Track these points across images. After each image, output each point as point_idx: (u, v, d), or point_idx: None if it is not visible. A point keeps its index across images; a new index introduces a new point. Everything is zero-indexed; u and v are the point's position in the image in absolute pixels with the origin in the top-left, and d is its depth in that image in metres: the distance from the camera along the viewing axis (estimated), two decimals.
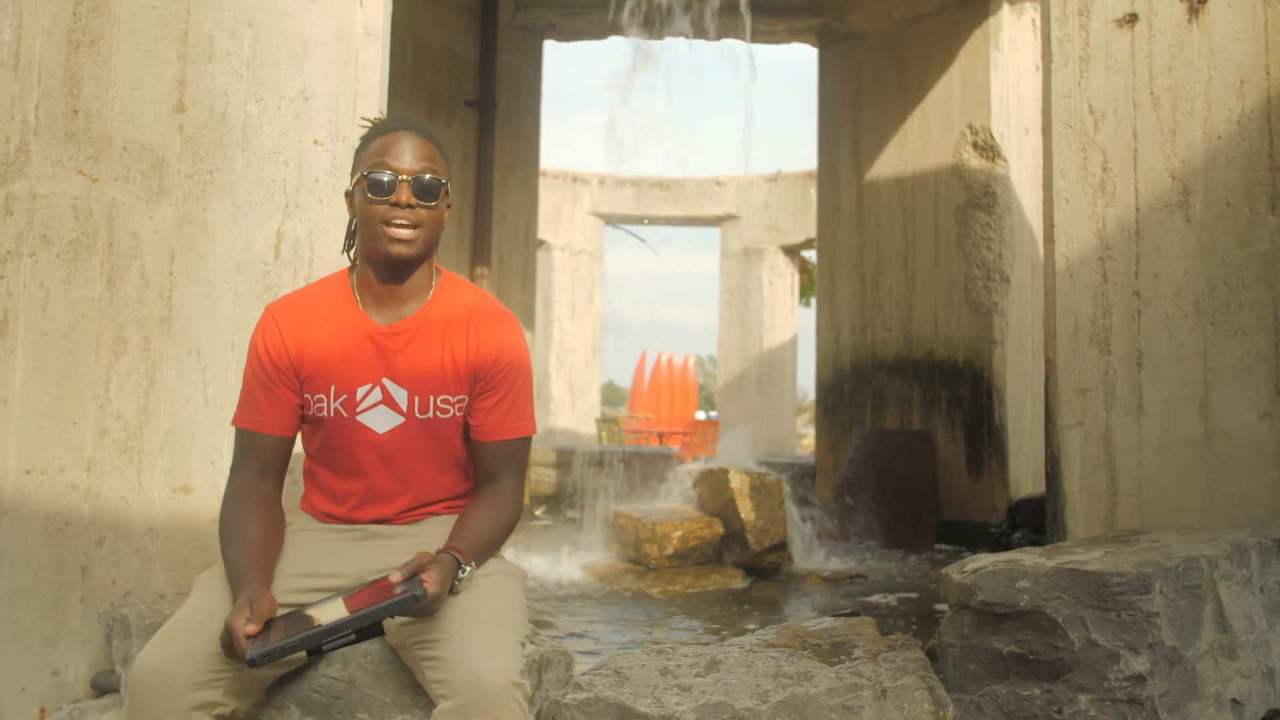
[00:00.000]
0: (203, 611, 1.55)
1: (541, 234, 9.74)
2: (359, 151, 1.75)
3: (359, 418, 1.71)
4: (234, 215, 2.34)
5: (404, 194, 1.67)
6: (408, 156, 1.68)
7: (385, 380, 1.72)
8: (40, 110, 2.23)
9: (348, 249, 1.84)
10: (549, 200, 11.14)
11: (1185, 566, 1.75)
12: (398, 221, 1.67)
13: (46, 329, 2.20)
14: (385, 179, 1.66)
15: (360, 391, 1.71)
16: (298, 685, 1.64)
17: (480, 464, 1.77)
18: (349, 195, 1.75)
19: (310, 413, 1.74)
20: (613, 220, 12.51)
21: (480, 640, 1.47)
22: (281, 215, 2.37)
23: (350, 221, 1.80)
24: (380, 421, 1.72)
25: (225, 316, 2.32)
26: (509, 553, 1.95)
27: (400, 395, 1.72)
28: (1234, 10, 2.49)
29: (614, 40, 6.55)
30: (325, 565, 1.68)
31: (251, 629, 1.43)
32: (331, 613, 1.48)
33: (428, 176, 1.68)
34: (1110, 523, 2.52)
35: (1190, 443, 2.47)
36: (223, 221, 2.33)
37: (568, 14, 6.34)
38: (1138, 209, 2.55)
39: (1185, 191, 2.51)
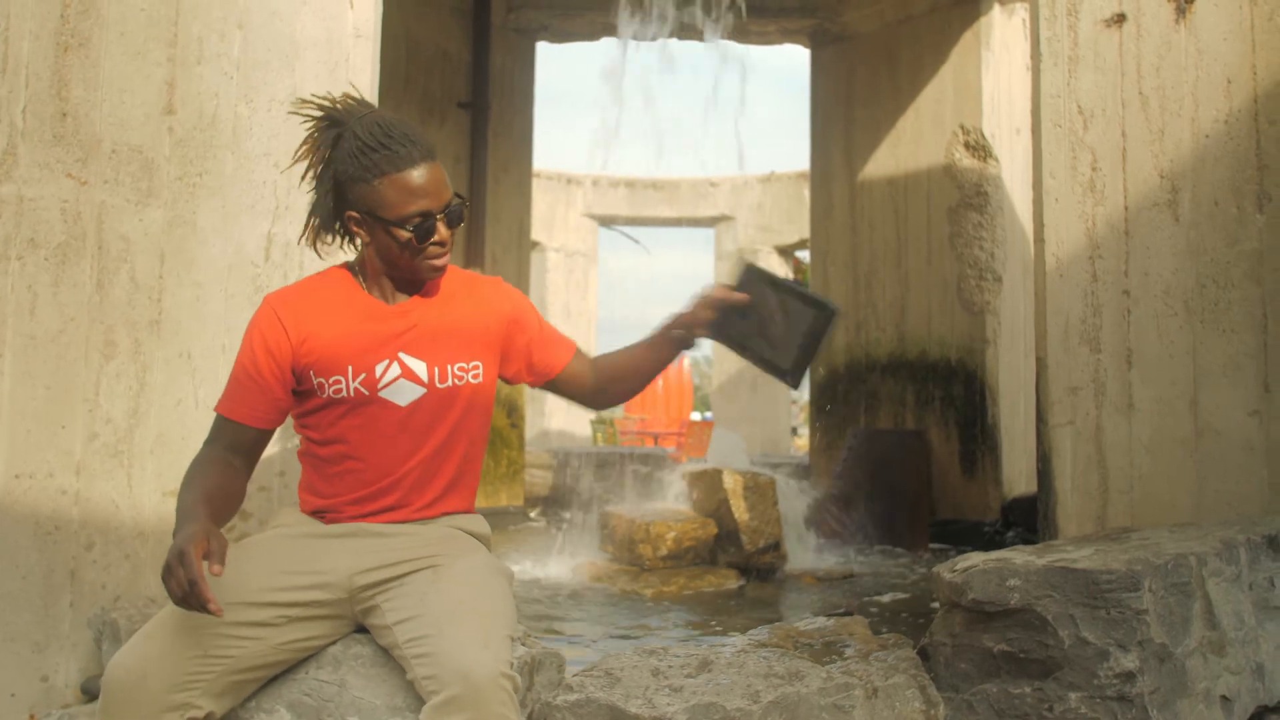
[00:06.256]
0: (186, 612, 1.53)
1: (535, 235, 9.72)
2: (373, 179, 1.66)
3: (381, 394, 1.73)
4: (224, 217, 2.34)
5: (443, 230, 1.72)
6: (437, 190, 1.69)
7: (401, 354, 1.74)
8: (28, 113, 2.22)
9: (312, 242, 1.79)
10: (542, 202, 11.14)
11: (1174, 564, 1.76)
12: (437, 253, 1.73)
13: (35, 332, 2.19)
14: (429, 225, 1.69)
15: (379, 368, 1.73)
16: (288, 688, 1.64)
17: (579, 383, 1.93)
18: (357, 221, 1.71)
19: (327, 395, 1.72)
20: (606, 221, 12.51)
21: (469, 633, 1.48)
22: (272, 218, 2.37)
23: (326, 219, 1.76)
24: (402, 395, 1.74)
25: (216, 319, 2.31)
26: (505, 554, 1.96)
27: (419, 367, 1.75)
28: (1221, 10, 2.50)
29: (607, 41, 6.55)
30: (320, 564, 1.66)
31: (216, 569, 1.40)
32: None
33: (454, 202, 1.72)
34: (1102, 521, 2.53)
35: (1180, 440, 2.48)
36: (213, 224, 2.33)
37: (560, 15, 6.34)
38: (1127, 208, 2.56)
39: (1174, 190, 2.52)
